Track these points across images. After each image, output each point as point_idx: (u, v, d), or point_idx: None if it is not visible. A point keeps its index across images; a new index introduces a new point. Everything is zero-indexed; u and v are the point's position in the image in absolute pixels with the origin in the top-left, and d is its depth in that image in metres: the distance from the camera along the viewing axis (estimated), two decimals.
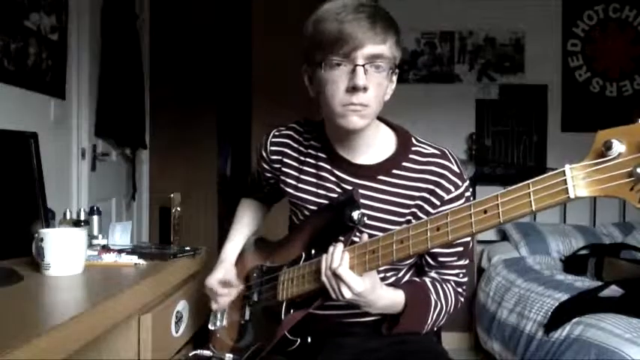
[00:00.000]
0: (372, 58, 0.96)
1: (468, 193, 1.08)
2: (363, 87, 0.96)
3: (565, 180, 0.70)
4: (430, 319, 1.08)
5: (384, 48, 0.97)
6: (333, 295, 0.96)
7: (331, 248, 0.97)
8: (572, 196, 0.70)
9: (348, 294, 0.94)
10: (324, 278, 0.96)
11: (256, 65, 3.75)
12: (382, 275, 1.09)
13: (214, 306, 1.26)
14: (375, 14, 0.96)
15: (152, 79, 3.43)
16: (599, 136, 0.69)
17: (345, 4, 0.97)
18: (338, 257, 0.95)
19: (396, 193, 1.07)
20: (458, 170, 1.08)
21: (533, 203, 0.73)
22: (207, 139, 3.77)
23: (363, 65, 0.96)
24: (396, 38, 0.99)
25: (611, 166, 0.68)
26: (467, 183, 1.09)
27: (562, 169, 0.71)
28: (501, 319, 2.43)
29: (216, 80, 3.76)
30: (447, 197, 1.05)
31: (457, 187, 1.06)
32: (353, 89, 0.96)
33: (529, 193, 0.73)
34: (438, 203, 1.05)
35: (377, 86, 0.99)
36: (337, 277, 0.94)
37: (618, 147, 0.67)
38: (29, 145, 1.33)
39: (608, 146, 0.67)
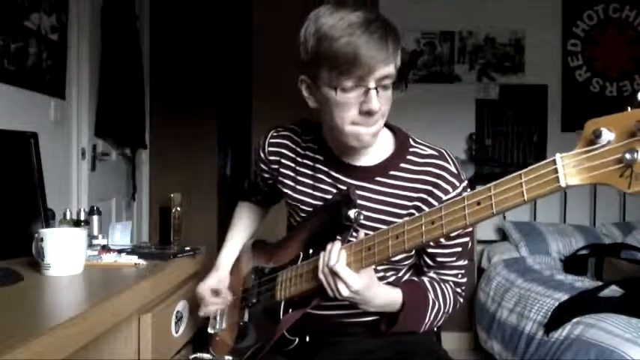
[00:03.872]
0: (383, 79, 0.96)
1: (466, 194, 1.07)
2: (378, 110, 0.97)
3: (556, 169, 0.71)
4: (428, 318, 1.08)
5: (392, 67, 0.97)
6: (330, 293, 0.97)
7: (329, 246, 0.97)
8: (563, 184, 0.71)
9: (345, 291, 0.94)
10: (321, 276, 0.97)
11: (256, 65, 3.76)
12: (381, 275, 1.09)
13: (201, 313, 1.27)
14: (385, 33, 0.94)
15: (152, 79, 3.43)
16: (588, 125, 0.70)
17: (351, 21, 0.93)
18: (335, 254, 0.95)
19: (394, 194, 1.07)
20: (455, 171, 1.08)
21: (525, 193, 0.74)
22: (207, 139, 3.76)
23: (376, 88, 0.95)
24: (400, 51, 0.99)
25: (601, 153, 0.68)
26: (465, 183, 1.08)
27: (552, 159, 0.72)
28: (501, 319, 2.43)
29: (216, 80, 3.76)
30: (445, 198, 1.05)
31: (455, 187, 1.06)
32: (367, 113, 0.97)
33: (521, 183, 0.74)
34: (436, 204, 1.04)
35: (386, 102, 1.00)
36: (334, 274, 0.94)
37: (607, 135, 0.68)
38: (29, 145, 1.34)
39: (597, 134, 0.68)
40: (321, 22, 0.96)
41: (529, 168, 0.74)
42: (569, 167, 0.71)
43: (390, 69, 0.96)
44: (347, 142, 1.02)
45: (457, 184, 1.07)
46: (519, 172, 0.75)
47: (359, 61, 0.92)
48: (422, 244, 0.88)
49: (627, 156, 0.65)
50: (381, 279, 1.05)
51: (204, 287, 1.25)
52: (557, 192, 0.73)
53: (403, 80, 1.05)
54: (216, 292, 1.25)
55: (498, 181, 0.77)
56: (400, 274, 1.14)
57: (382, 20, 0.96)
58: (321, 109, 1.03)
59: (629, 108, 0.67)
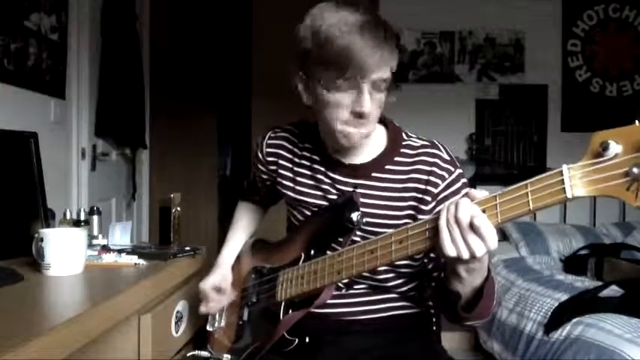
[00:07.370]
0: (377, 82, 0.97)
1: (464, 179, 1.07)
2: (370, 112, 0.97)
3: (562, 180, 0.71)
4: (495, 295, 1.00)
5: (387, 71, 0.97)
6: (455, 253, 0.81)
7: (456, 197, 0.84)
8: (569, 195, 0.71)
9: (482, 250, 0.80)
10: (445, 231, 0.81)
11: (256, 65, 3.76)
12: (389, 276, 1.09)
13: (202, 309, 1.26)
14: (382, 36, 0.94)
15: (152, 79, 3.44)
16: (596, 137, 0.70)
17: (349, 22, 0.93)
18: (472, 205, 0.80)
19: (392, 188, 1.07)
20: (448, 157, 1.08)
21: (530, 203, 0.74)
22: (207, 139, 3.77)
23: (369, 91, 0.96)
24: (397, 53, 0.99)
25: (608, 166, 0.69)
26: (460, 170, 1.08)
27: (559, 169, 0.72)
28: (501, 319, 2.42)
29: (216, 80, 3.77)
30: (442, 184, 1.05)
31: (450, 173, 1.06)
32: (359, 115, 0.97)
33: (527, 193, 0.74)
34: (436, 191, 1.05)
35: (378, 103, 1.00)
36: (473, 229, 0.79)
37: (615, 147, 0.68)
38: (29, 145, 1.34)
39: (604, 147, 0.69)
40: (320, 20, 0.97)
41: (535, 178, 0.74)
42: (575, 178, 0.71)
43: (385, 73, 0.96)
44: (337, 140, 1.03)
45: (452, 169, 1.07)
46: (525, 182, 0.75)
47: (353, 63, 0.92)
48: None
49: (635, 170, 0.66)
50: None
51: (207, 284, 1.25)
52: (562, 202, 0.73)
53: (396, 82, 1.04)
54: (218, 290, 1.25)
55: (504, 190, 0.77)
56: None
57: (381, 23, 0.96)
58: (315, 106, 1.04)
59: (637, 122, 0.68)
